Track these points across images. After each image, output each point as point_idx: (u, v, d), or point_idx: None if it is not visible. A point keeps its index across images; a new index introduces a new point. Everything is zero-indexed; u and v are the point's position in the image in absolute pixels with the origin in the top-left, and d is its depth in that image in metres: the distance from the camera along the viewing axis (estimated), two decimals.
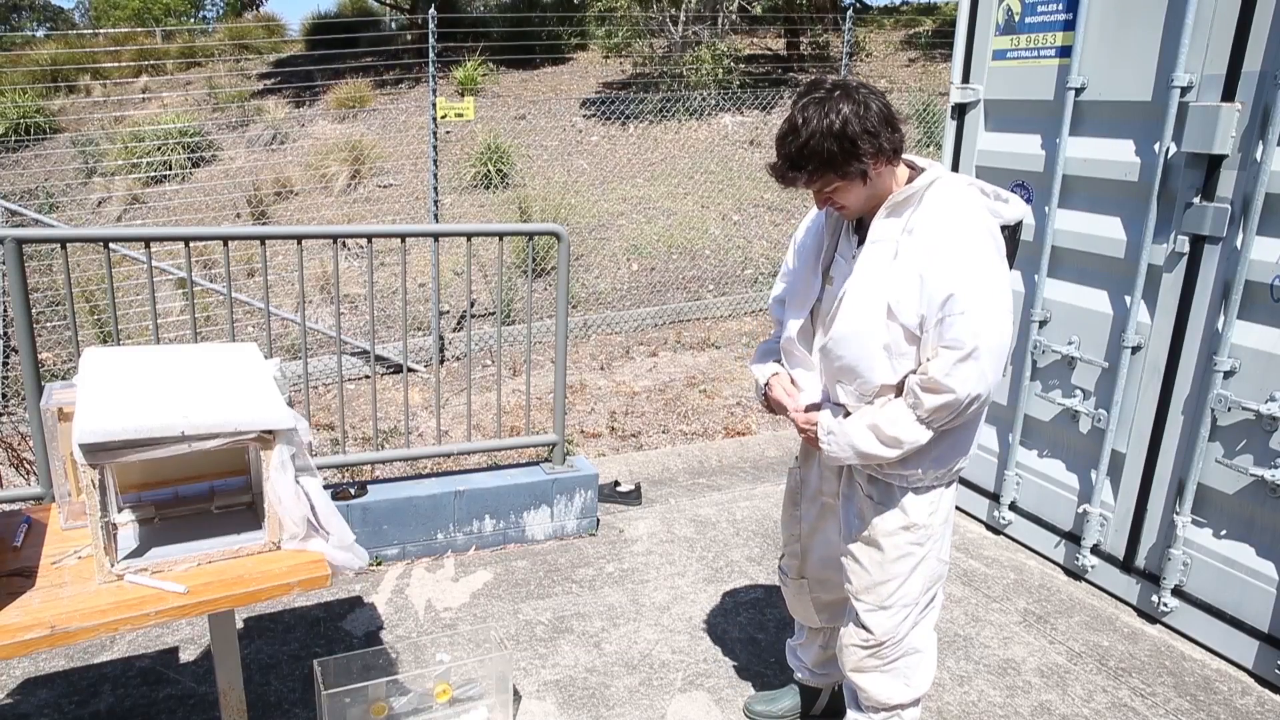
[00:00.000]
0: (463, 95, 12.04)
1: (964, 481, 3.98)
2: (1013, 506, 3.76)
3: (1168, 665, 2.95)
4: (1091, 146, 3.31)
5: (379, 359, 6.90)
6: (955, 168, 3.86)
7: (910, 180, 1.94)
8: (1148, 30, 3.05)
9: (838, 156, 1.82)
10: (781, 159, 1.88)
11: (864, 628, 2.14)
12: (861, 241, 2.01)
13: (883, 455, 1.95)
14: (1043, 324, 3.53)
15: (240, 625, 2.99)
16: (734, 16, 12.87)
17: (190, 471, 2.07)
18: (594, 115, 11.73)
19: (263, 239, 3.30)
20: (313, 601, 3.16)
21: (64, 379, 2.33)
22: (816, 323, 2.12)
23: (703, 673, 2.85)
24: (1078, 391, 3.44)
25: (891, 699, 2.17)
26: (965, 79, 3.78)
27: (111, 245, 3.17)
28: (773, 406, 2.22)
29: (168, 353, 2.14)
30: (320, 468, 3.57)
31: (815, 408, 2.12)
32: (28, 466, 4.24)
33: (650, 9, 12.39)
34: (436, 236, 4.11)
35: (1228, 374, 2.87)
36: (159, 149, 10.80)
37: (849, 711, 2.29)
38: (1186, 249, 2.98)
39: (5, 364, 6.75)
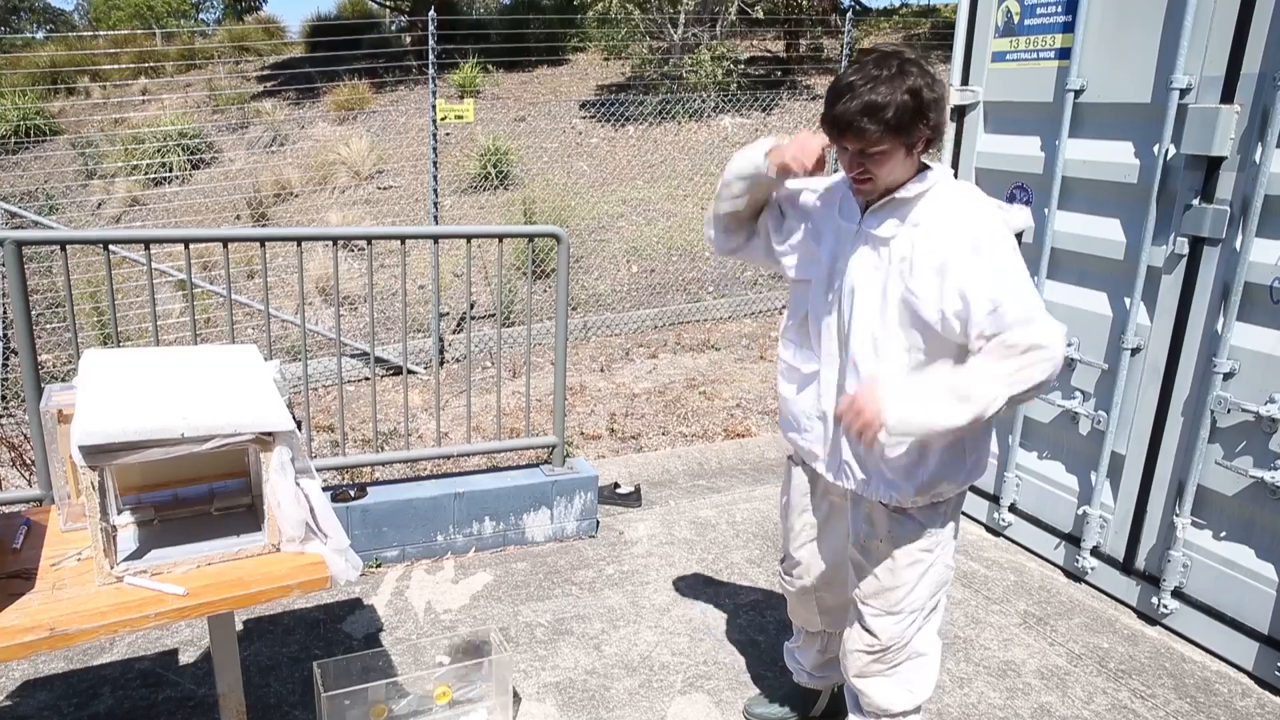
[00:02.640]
0: (462, 97, 12.05)
1: None
2: (1012, 508, 3.76)
3: (1168, 667, 2.95)
4: (1091, 148, 3.31)
5: (379, 361, 6.90)
6: (955, 169, 3.86)
7: (918, 176, 1.95)
8: (1147, 32, 3.06)
9: (910, 113, 1.80)
10: (853, 106, 1.81)
11: (869, 632, 2.12)
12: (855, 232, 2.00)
13: (958, 420, 1.78)
14: None
15: (240, 627, 2.98)
16: (733, 18, 12.87)
17: (190, 473, 2.07)
18: (593, 117, 11.74)
19: (262, 241, 3.30)
20: (312, 604, 3.16)
21: (64, 381, 2.33)
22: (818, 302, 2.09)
23: (702, 674, 2.84)
24: (1077, 393, 3.44)
25: (894, 706, 2.16)
26: (964, 81, 3.79)
27: (111, 247, 3.17)
28: (790, 166, 1.96)
29: (167, 354, 2.14)
30: (320, 469, 3.56)
31: None
32: (29, 468, 4.24)
33: (650, 11, 12.40)
34: (436, 238, 4.11)
35: (1227, 375, 2.87)
36: (158, 151, 10.80)
37: (850, 715, 2.28)
38: (1186, 251, 2.98)
39: (5, 365, 6.75)
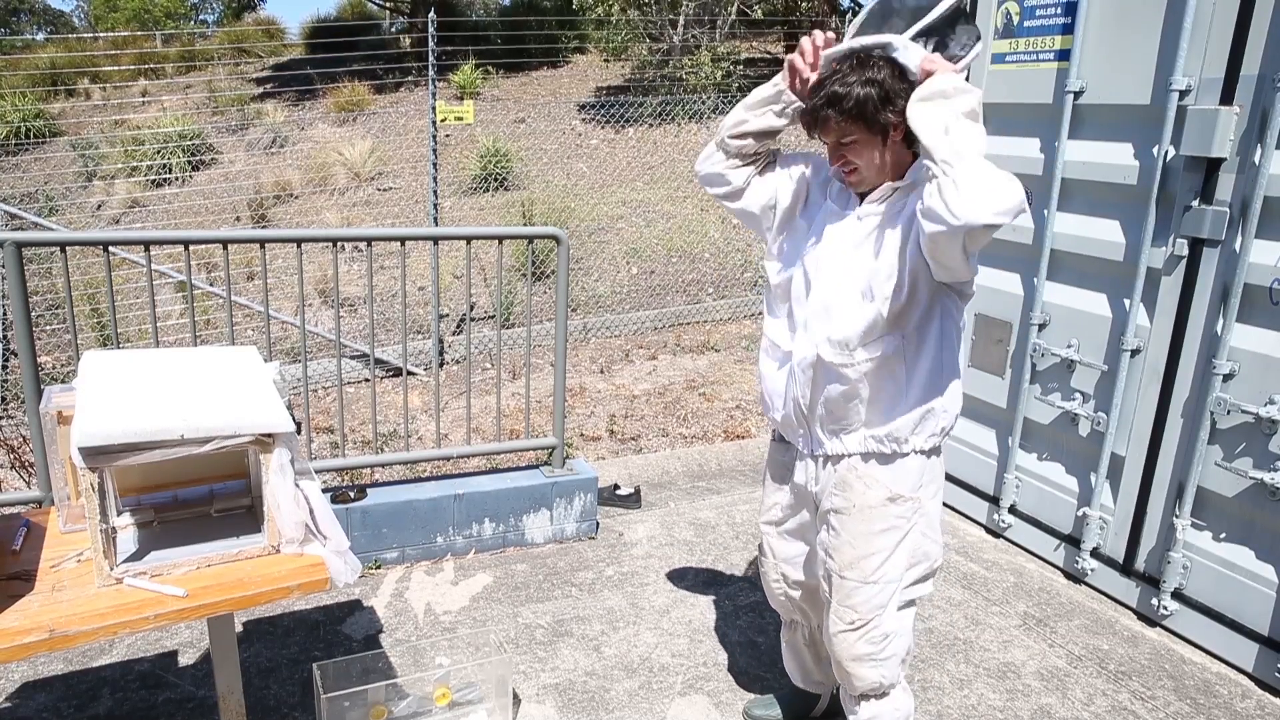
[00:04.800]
0: (462, 99, 12.06)
1: (963, 484, 3.98)
2: (1012, 510, 3.76)
3: (1168, 668, 2.95)
4: (1090, 150, 3.32)
5: (378, 362, 6.90)
6: None
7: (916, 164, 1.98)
8: (1146, 34, 3.06)
9: (874, 102, 1.88)
10: (818, 97, 1.92)
11: (850, 608, 2.11)
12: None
13: (962, 135, 1.80)
14: (1042, 327, 3.54)
15: (239, 629, 2.98)
16: (733, 20, 12.89)
17: (190, 475, 2.07)
18: (593, 119, 11.75)
19: (262, 242, 3.30)
20: (312, 605, 3.16)
21: (63, 382, 2.33)
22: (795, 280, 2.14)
23: (702, 676, 2.84)
24: (1077, 394, 3.44)
25: (870, 684, 2.16)
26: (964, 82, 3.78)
27: (111, 248, 3.17)
28: (803, 64, 1.97)
29: (167, 356, 2.14)
30: (320, 471, 3.56)
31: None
32: (29, 470, 4.24)
33: (649, 13, 12.41)
34: (436, 240, 4.11)
35: (1227, 377, 2.87)
36: (158, 152, 10.81)
37: (848, 716, 2.28)
38: (1185, 252, 2.98)
39: (5, 367, 6.74)
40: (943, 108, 1.81)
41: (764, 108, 2.11)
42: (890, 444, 2.05)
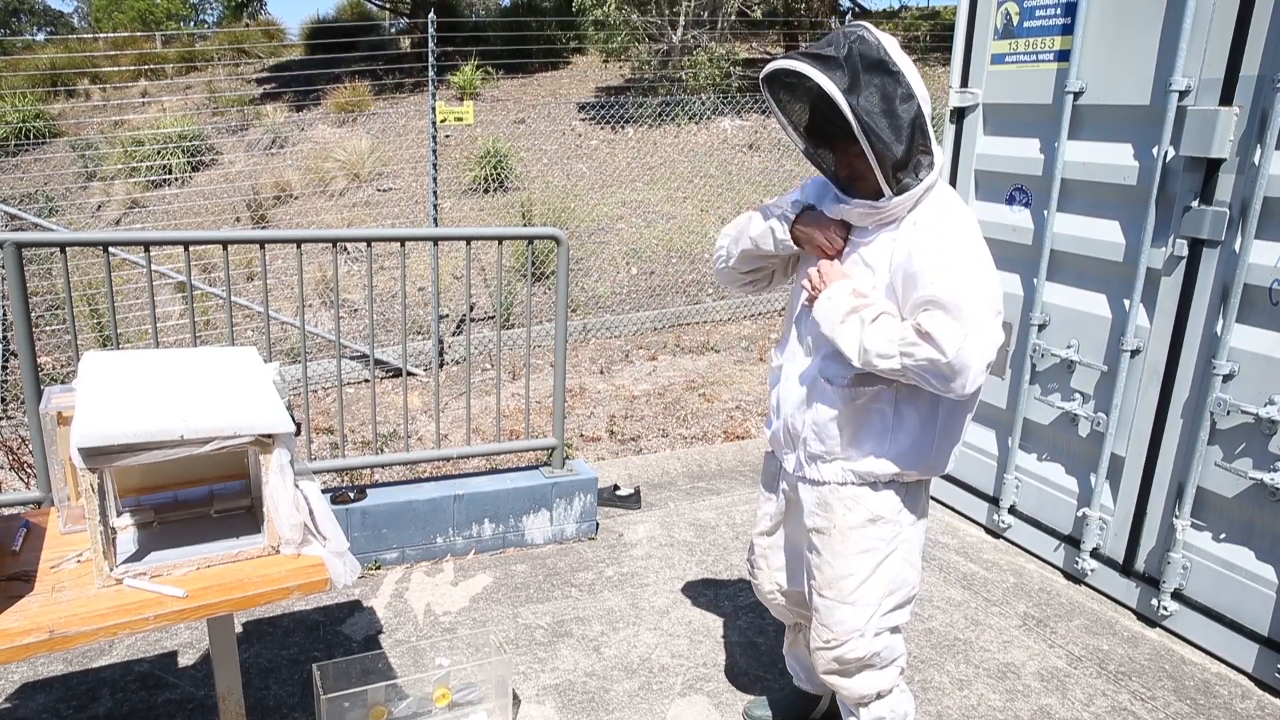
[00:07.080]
0: (462, 100, 12.06)
1: (963, 485, 3.98)
2: (1012, 510, 3.76)
3: (1167, 669, 2.95)
4: (1090, 150, 3.32)
5: (378, 363, 6.90)
6: (954, 171, 3.87)
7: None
8: (1146, 34, 3.06)
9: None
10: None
11: (826, 627, 2.12)
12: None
13: (849, 350, 1.89)
14: (1042, 327, 3.54)
15: (239, 629, 2.98)
16: (733, 20, 12.88)
17: (189, 475, 2.07)
18: (593, 119, 11.75)
19: (262, 243, 3.30)
20: (312, 606, 3.16)
21: (63, 383, 2.33)
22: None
23: (702, 677, 2.84)
24: (1077, 395, 3.44)
25: (859, 695, 2.17)
26: (964, 83, 3.79)
27: (111, 249, 3.17)
28: (807, 237, 2.07)
29: (167, 357, 2.14)
30: (319, 471, 3.57)
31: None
32: (28, 470, 4.24)
33: (649, 13, 12.41)
34: (436, 240, 4.11)
35: (1226, 377, 2.87)
36: (158, 153, 10.81)
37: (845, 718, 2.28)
38: (1185, 252, 2.98)
39: (5, 368, 6.74)
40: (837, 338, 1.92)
41: (764, 256, 2.18)
42: (869, 479, 2.06)
